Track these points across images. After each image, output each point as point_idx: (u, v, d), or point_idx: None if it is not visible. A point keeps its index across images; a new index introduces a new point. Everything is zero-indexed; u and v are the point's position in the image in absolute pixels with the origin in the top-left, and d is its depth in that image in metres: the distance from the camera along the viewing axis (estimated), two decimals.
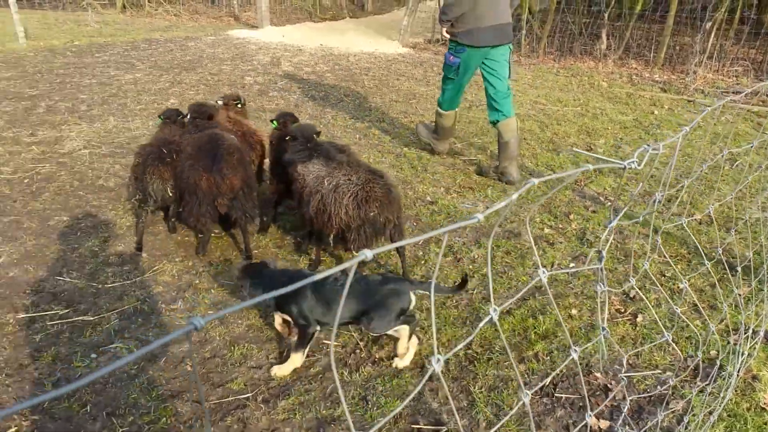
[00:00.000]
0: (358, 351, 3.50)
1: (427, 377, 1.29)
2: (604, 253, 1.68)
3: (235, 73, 10.19)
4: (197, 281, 4.12)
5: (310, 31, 15.34)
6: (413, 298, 3.29)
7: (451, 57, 5.86)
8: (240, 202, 4.17)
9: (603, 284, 1.56)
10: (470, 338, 1.56)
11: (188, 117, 4.84)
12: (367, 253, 0.98)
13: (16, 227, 4.73)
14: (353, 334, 3.62)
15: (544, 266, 4.44)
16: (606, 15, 11.78)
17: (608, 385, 3.24)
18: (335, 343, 3.55)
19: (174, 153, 4.30)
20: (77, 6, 17.39)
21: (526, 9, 12.13)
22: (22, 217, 4.89)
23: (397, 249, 4.19)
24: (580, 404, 3.10)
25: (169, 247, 4.56)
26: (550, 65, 11.65)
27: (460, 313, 3.84)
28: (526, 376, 3.32)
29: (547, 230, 4.99)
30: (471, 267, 4.40)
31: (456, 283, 3.48)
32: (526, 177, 6.05)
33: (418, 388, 1.25)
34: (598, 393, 3.19)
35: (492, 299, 1.52)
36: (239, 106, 5.38)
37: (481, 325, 1.35)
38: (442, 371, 3.31)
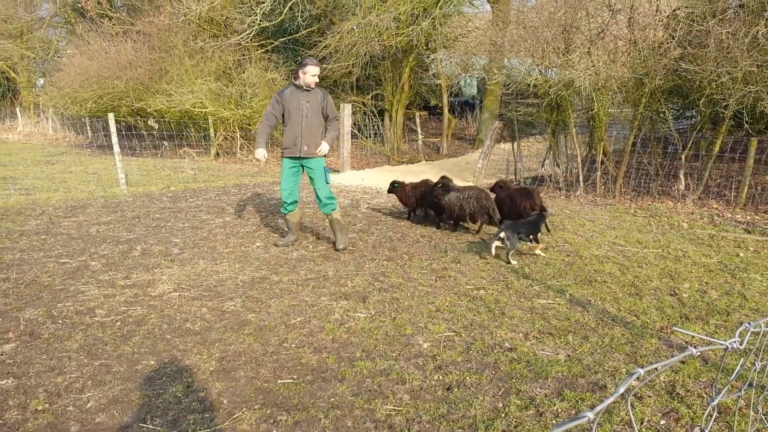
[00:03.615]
0: None
1: None
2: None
3: (318, 216, 10.64)
4: (274, 431, 4.13)
5: (388, 173, 16.02)
6: None
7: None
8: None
9: None
10: None
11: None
12: (589, 414, 1.24)
13: (106, 371, 4.93)
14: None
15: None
16: (683, 156, 11.80)
17: None
18: None
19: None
20: (174, 153, 18.88)
21: (600, 151, 12.31)
22: (112, 361, 5.11)
23: None
24: None
25: (249, 393, 4.63)
26: (627, 205, 11.61)
27: None
28: None
29: (634, 382, 4.78)
30: (554, 421, 4.22)
31: None
32: (614, 328, 5.91)
33: None
34: None
35: None
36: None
37: None
38: None
